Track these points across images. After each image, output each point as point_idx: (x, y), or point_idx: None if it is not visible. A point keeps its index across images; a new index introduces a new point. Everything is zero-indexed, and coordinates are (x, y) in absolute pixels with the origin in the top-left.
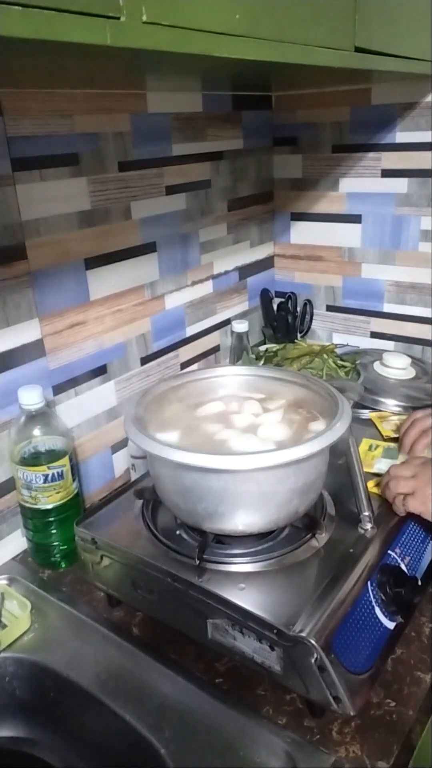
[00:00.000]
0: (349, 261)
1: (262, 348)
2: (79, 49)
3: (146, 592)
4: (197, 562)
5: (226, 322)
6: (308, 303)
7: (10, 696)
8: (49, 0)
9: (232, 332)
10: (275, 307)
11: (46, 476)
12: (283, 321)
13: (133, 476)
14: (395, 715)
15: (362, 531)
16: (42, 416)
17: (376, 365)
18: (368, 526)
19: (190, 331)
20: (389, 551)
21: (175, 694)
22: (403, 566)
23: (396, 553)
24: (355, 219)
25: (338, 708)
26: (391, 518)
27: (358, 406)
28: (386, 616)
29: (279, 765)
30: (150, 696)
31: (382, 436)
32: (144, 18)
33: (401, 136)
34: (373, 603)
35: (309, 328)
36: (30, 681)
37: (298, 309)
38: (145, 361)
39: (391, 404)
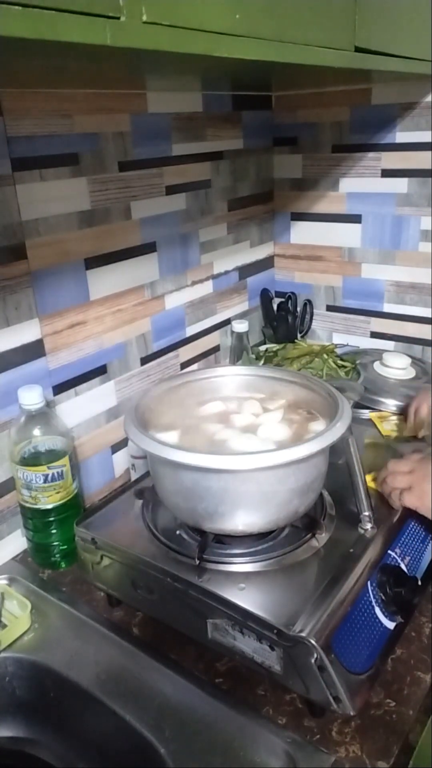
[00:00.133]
0: (349, 261)
1: (262, 348)
2: (79, 49)
3: (146, 592)
4: (197, 562)
5: (226, 322)
6: (308, 303)
7: (10, 696)
8: (49, 0)
9: (232, 332)
10: (275, 307)
11: (46, 476)
12: (283, 321)
13: (133, 476)
14: (395, 715)
15: (362, 531)
16: (42, 416)
17: (376, 365)
18: (368, 526)
19: (190, 331)
20: (389, 551)
21: (175, 694)
22: (403, 566)
23: (396, 553)
24: (355, 219)
25: (338, 708)
26: (391, 518)
27: (358, 406)
28: (386, 616)
29: (279, 765)
30: (150, 696)
31: (382, 436)
32: (144, 18)
33: (401, 136)
34: (373, 603)
35: (309, 328)
36: (30, 681)
37: (298, 309)
38: (145, 361)
39: (391, 404)
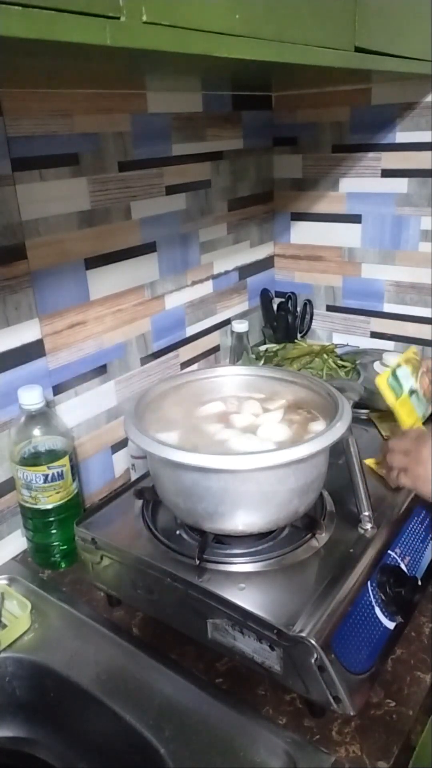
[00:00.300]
0: (349, 261)
1: (262, 348)
2: (79, 49)
3: (146, 592)
4: (197, 562)
5: (226, 322)
6: (308, 303)
7: (10, 696)
8: (49, 0)
9: (232, 332)
10: (275, 307)
11: (46, 476)
12: (283, 321)
13: (133, 476)
14: (395, 715)
15: (362, 531)
16: (42, 416)
17: (376, 365)
18: (368, 526)
19: (190, 331)
20: (389, 551)
21: (175, 694)
22: (403, 566)
23: (396, 553)
24: (355, 219)
25: (338, 708)
26: (392, 518)
27: (358, 406)
28: (386, 616)
29: (279, 765)
30: (150, 696)
31: (382, 436)
32: (144, 18)
33: (401, 136)
34: (373, 603)
35: (309, 328)
36: (30, 681)
37: (298, 309)
38: (145, 361)
39: None
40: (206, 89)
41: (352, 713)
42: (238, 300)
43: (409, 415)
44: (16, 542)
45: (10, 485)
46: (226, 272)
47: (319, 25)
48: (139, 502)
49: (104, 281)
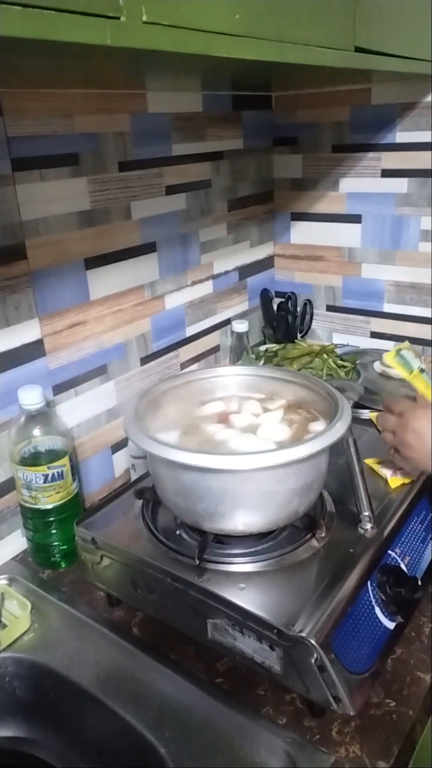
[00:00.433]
0: (349, 261)
1: (262, 348)
2: (79, 49)
3: (146, 592)
4: (197, 562)
5: (226, 322)
6: (308, 303)
7: (10, 696)
8: (49, 0)
9: (232, 332)
10: (275, 307)
11: (46, 476)
12: (283, 321)
13: (133, 476)
14: (395, 714)
15: (362, 531)
16: (42, 416)
17: (376, 365)
18: (368, 526)
19: (190, 331)
20: (389, 551)
21: (175, 694)
22: (403, 566)
23: (396, 553)
24: (355, 219)
25: (338, 708)
26: (392, 518)
27: (358, 406)
28: (386, 616)
29: (279, 765)
30: (150, 696)
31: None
32: (144, 18)
33: (401, 136)
34: (373, 603)
35: (309, 328)
36: (30, 681)
37: (298, 309)
38: (145, 361)
39: None
40: (206, 89)
41: (352, 713)
42: (238, 300)
43: (426, 387)
44: (16, 542)
45: (10, 485)
46: (226, 272)
47: (319, 25)
48: (139, 502)
49: (104, 281)
